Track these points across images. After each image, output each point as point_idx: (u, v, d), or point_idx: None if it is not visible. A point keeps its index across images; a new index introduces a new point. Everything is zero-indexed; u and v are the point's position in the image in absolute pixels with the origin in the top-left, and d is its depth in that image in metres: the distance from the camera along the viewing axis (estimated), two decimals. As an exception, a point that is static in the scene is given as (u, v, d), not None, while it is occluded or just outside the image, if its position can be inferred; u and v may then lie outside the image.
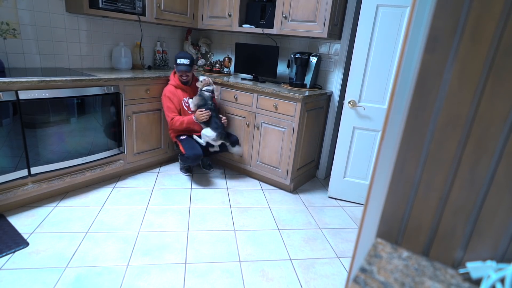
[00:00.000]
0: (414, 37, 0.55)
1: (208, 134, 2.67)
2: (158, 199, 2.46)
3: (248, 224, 2.24)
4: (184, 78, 2.71)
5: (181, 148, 2.68)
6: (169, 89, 2.70)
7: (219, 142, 2.70)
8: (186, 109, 2.77)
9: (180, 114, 2.75)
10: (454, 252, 0.57)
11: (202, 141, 2.72)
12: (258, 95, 2.72)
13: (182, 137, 2.76)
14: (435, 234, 0.58)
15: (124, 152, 2.64)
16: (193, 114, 2.68)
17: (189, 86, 2.79)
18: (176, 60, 2.65)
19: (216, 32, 3.62)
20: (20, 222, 1.99)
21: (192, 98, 2.75)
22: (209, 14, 3.22)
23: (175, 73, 2.77)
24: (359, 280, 0.51)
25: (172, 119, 2.66)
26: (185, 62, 2.64)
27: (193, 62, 2.72)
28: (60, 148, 2.20)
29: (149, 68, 3.25)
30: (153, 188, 2.63)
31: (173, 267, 1.74)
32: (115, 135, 2.55)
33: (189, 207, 2.39)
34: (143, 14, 2.81)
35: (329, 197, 2.74)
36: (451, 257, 0.57)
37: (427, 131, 0.54)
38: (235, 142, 2.84)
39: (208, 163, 3.09)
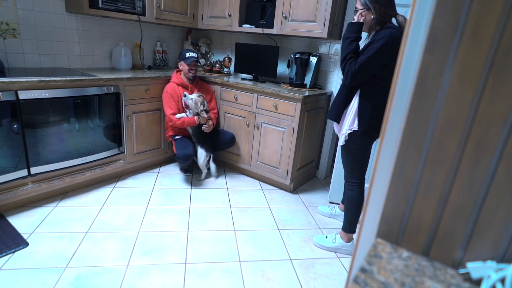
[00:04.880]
0: (414, 37, 0.55)
1: (201, 155, 2.71)
2: (158, 199, 2.46)
3: (248, 224, 2.24)
4: (193, 71, 2.73)
5: (173, 147, 2.70)
6: (170, 87, 2.71)
7: (209, 156, 2.76)
8: (185, 106, 2.76)
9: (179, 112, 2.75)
10: (454, 252, 0.57)
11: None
12: (258, 95, 2.72)
13: (177, 137, 2.77)
14: (435, 234, 0.58)
15: (124, 152, 2.64)
16: (195, 117, 2.67)
17: (191, 84, 2.79)
18: (184, 55, 2.70)
19: (216, 32, 3.62)
20: (20, 222, 1.99)
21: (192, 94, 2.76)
22: (209, 14, 3.22)
23: (177, 71, 2.78)
24: (359, 280, 0.51)
25: (172, 114, 2.66)
26: (194, 55, 2.71)
27: (198, 54, 2.82)
28: (60, 148, 2.20)
29: (149, 68, 3.25)
30: (153, 188, 2.63)
31: (173, 267, 1.74)
32: (115, 135, 2.55)
33: (189, 207, 2.39)
34: (143, 14, 2.81)
35: (330, 202, 2.69)
36: (451, 257, 0.57)
37: (427, 131, 0.54)
38: (230, 141, 2.87)
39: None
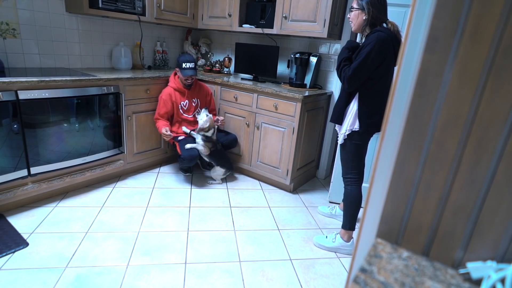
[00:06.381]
0: (414, 37, 0.55)
1: (218, 173, 2.75)
2: (158, 199, 2.46)
3: (248, 224, 2.24)
4: (190, 81, 2.71)
5: (178, 149, 2.69)
6: (167, 92, 2.69)
7: (228, 173, 2.82)
8: (182, 111, 2.77)
9: (172, 117, 2.77)
10: (454, 252, 0.57)
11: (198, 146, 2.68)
12: (258, 95, 2.72)
13: (180, 138, 2.76)
14: (435, 234, 0.58)
15: (124, 152, 2.64)
16: (167, 126, 2.63)
17: (189, 89, 2.78)
18: (181, 64, 2.62)
19: (216, 32, 3.62)
20: (20, 222, 1.99)
21: (197, 110, 2.81)
22: (209, 14, 3.22)
23: (175, 74, 2.77)
24: (359, 280, 0.51)
25: (157, 119, 2.71)
26: (191, 66, 2.63)
27: (196, 63, 2.75)
28: (60, 148, 2.20)
29: (149, 68, 3.25)
30: (153, 188, 2.63)
31: (173, 267, 1.74)
32: (115, 135, 2.55)
33: (189, 207, 2.39)
34: (143, 14, 2.81)
35: (330, 202, 2.69)
36: (451, 257, 0.57)
37: (427, 131, 0.54)
38: (233, 142, 2.86)
39: (207, 162, 3.08)
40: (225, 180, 2.90)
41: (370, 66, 1.73)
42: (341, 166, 2.08)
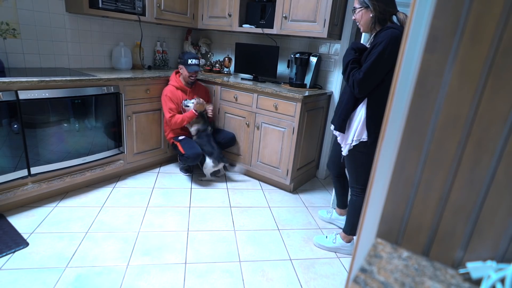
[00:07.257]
0: (414, 37, 0.55)
1: (208, 165, 2.72)
2: (158, 199, 2.46)
3: (248, 224, 2.24)
4: (193, 78, 2.73)
5: (180, 148, 2.68)
6: (169, 90, 2.70)
7: (221, 165, 2.77)
8: (183, 111, 2.78)
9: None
10: (454, 252, 0.57)
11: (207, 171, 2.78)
12: (258, 95, 2.72)
13: (180, 138, 2.76)
14: (435, 234, 0.58)
15: (124, 152, 2.64)
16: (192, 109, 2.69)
17: (190, 88, 2.79)
18: (187, 61, 2.66)
19: (216, 32, 3.62)
20: (20, 222, 1.99)
21: (191, 99, 2.76)
22: (209, 14, 3.22)
23: (176, 73, 2.77)
24: (359, 280, 0.51)
25: (172, 116, 2.66)
26: (196, 62, 2.70)
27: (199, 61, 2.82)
28: (60, 148, 2.20)
29: (149, 68, 3.25)
30: (153, 188, 2.63)
31: (173, 267, 1.74)
32: (115, 135, 2.55)
33: (189, 207, 2.39)
34: (143, 14, 2.81)
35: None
36: (451, 257, 0.57)
37: (427, 131, 0.54)
38: (231, 141, 2.88)
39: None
40: (224, 179, 2.90)
41: (383, 67, 1.55)
42: (347, 175, 1.98)
